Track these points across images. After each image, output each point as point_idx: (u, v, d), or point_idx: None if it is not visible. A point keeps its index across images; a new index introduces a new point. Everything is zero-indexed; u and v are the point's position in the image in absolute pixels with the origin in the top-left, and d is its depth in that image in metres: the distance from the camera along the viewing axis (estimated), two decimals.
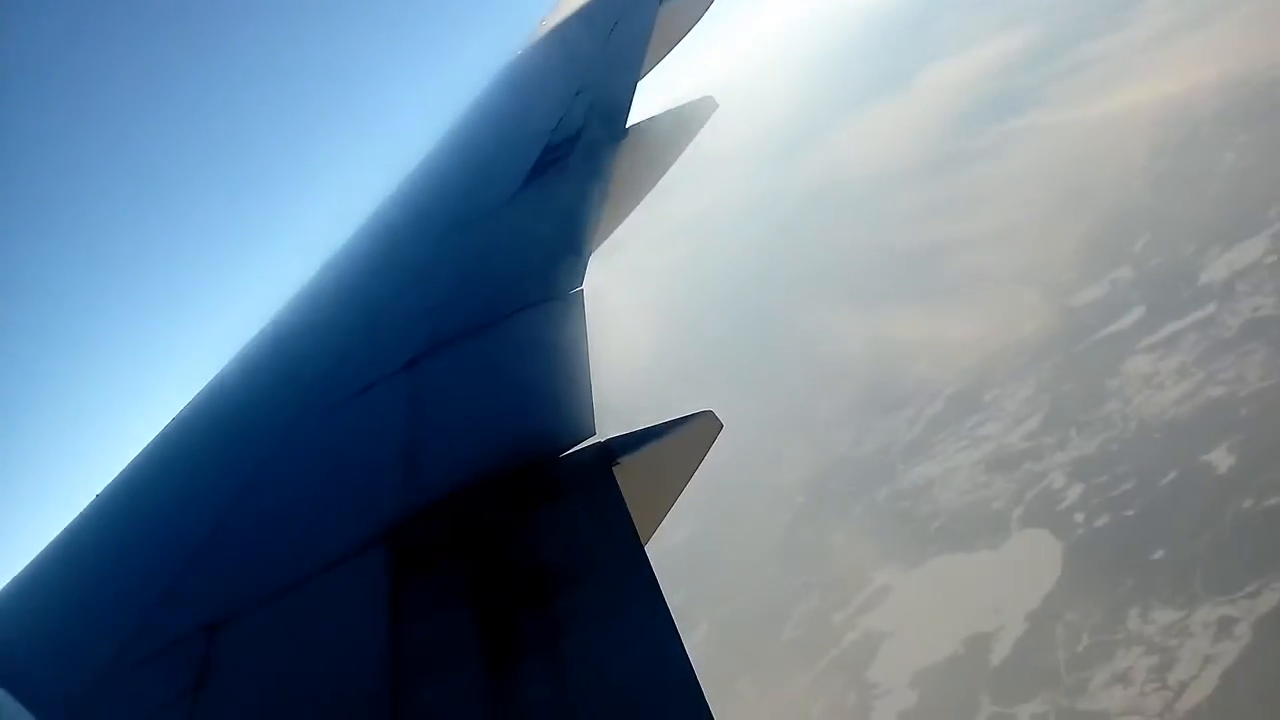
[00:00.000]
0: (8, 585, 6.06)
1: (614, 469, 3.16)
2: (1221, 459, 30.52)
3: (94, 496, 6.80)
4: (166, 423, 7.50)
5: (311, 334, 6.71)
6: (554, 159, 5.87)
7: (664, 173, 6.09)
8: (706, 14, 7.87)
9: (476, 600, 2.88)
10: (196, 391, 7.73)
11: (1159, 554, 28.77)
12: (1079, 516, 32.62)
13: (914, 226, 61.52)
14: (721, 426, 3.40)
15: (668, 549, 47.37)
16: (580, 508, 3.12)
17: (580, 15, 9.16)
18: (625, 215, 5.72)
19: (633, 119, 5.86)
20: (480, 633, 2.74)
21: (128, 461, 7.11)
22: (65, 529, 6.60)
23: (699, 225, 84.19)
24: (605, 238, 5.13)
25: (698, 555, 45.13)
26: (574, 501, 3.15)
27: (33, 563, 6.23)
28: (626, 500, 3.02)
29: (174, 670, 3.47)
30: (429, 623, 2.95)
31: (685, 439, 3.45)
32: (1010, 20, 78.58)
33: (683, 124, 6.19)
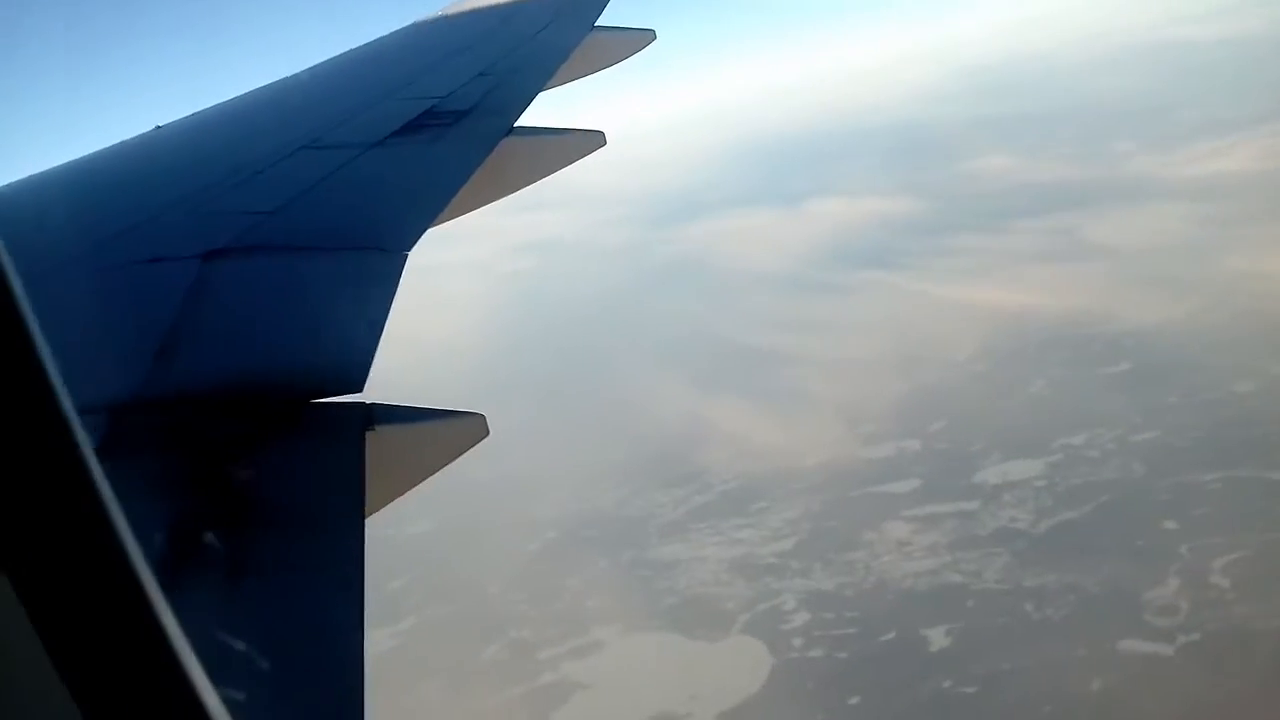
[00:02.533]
0: None
1: (367, 433, 3.05)
2: (938, 638, 32.45)
3: None
4: None
5: (130, 187, 6.28)
6: (432, 124, 5.81)
7: (531, 182, 6.11)
8: (631, 59, 8.05)
9: (175, 504, 2.67)
10: None
11: (854, 700, 30.24)
12: (797, 641, 33.99)
13: (757, 329, 63.70)
14: (488, 433, 3.36)
15: (407, 535, 46.70)
16: (318, 456, 2.97)
17: (514, 4, 9.07)
18: (479, 206, 5.69)
19: (522, 121, 5.88)
20: (165, 537, 2.51)
21: None
22: None
23: (553, 249, 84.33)
24: (451, 219, 5.10)
25: (432, 551, 44.53)
26: (314, 448, 2.99)
27: None
28: (367, 467, 2.89)
29: None
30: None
31: (448, 431, 3.39)
32: (907, 188, 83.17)
33: (567, 146, 6.19)
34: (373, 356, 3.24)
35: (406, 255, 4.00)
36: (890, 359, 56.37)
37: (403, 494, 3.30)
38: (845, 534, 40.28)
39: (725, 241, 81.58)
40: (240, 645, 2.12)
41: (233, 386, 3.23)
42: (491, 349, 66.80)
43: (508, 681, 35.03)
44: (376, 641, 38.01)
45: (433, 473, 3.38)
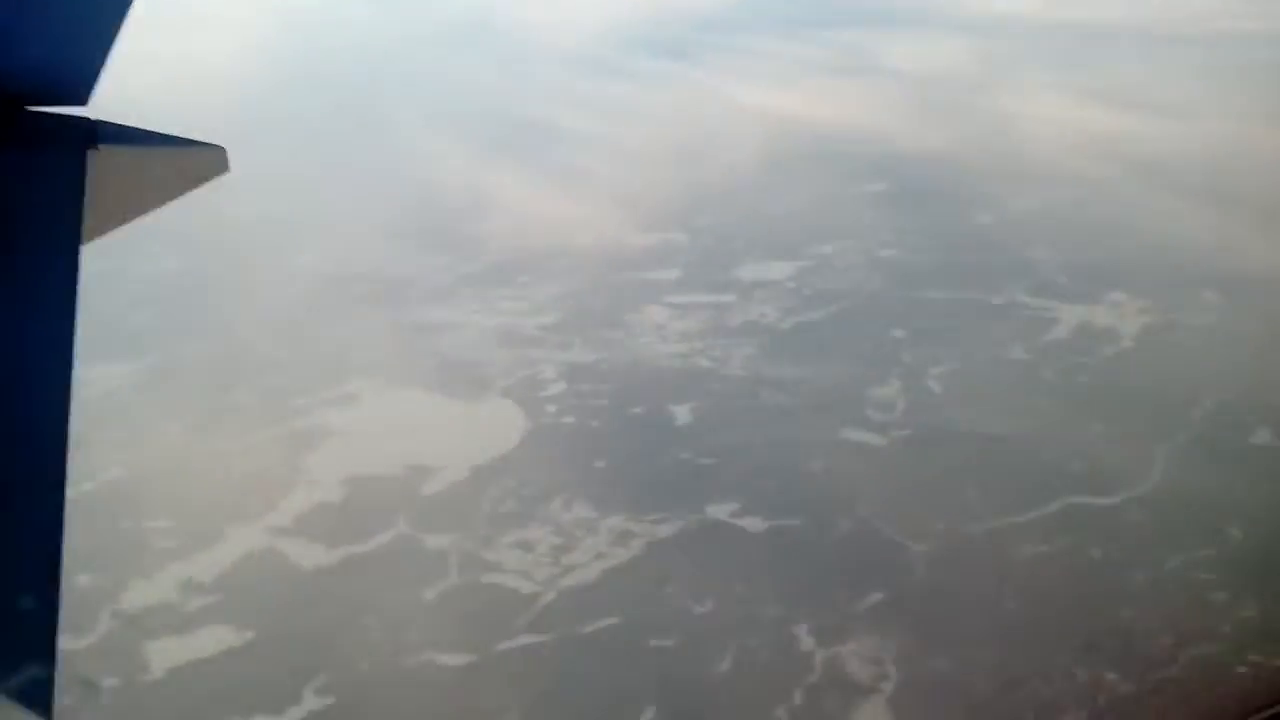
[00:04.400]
0: None
1: (89, 151, 2.79)
2: (683, 415, 34.70)
3: None
4: None
5: None
6: None
7: None
8: None
9: None
10: None
11: (600, 464, 32.19)
12: (551, 408, 35.46)
13: (545, 103, 62.53)
14: (228, 168, 3.08)
15: (154, 271, 44.54)
16: (30, 168, 2.67)
17: None
18: None
19: None
20: None
21: None
22: None
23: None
24: None
25: (181, 289, 42.81)
26: (26, 159, 2.69)
27: None
28: (89, 187, 2.63)
29: None
30: None
31: (182, 160, 3.19)
32: None
33: None
34: (101, 67, 2.94)
35: None
36: (670, 151, 57.17)
37: (128, 221, 3.02)
38: (607, 313, 41.68)
39: (520, 10, 78.44)
40: None
41: None
42: (256, 83, 62.43)
43: (258, 425, 34.88)
44: (113, 377, 36.59)
45: (163, 203, 3.12)
